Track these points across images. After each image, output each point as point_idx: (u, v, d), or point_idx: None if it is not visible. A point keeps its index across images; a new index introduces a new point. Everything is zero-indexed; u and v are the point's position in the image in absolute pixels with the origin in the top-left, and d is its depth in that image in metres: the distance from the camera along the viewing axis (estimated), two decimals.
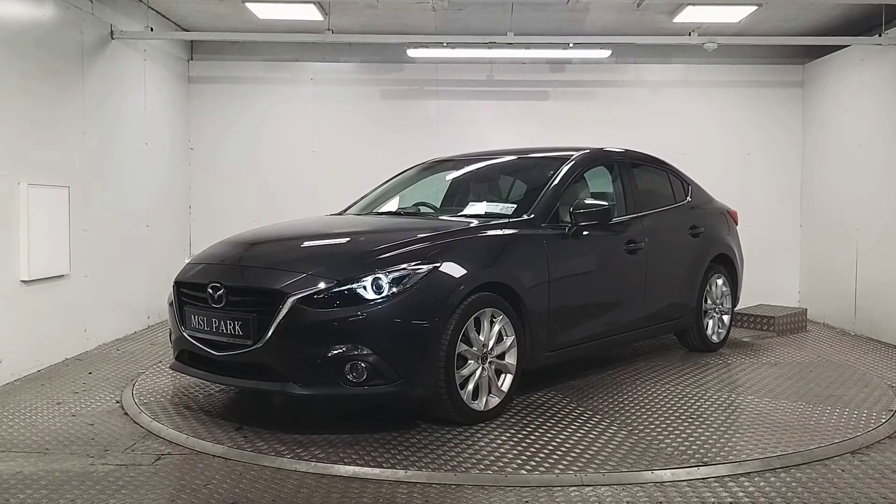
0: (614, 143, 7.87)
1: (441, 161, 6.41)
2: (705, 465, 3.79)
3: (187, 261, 4.99)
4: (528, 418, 4.56)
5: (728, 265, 6.70)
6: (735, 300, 6.90)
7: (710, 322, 6.53)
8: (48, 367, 5.96)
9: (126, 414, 4.78)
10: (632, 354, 6.40)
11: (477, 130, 8.91)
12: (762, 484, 3.60)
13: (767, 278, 8.65)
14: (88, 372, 5.85)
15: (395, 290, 4.12)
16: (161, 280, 7.58)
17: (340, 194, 8.39)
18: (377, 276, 4.15)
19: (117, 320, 7.23)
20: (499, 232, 4.78)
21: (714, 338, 6.57)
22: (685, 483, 3.62)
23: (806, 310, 8.05)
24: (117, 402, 5.05)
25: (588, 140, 8.57)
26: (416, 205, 5.88)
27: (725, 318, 6.70)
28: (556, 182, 5.27)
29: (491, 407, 4.48)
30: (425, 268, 4.23)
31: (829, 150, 8.29)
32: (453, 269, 4.32)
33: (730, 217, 6.89)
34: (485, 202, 5.58)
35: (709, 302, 6.49)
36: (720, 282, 6.61)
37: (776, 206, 8.92)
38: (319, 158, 8.95)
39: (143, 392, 5.20)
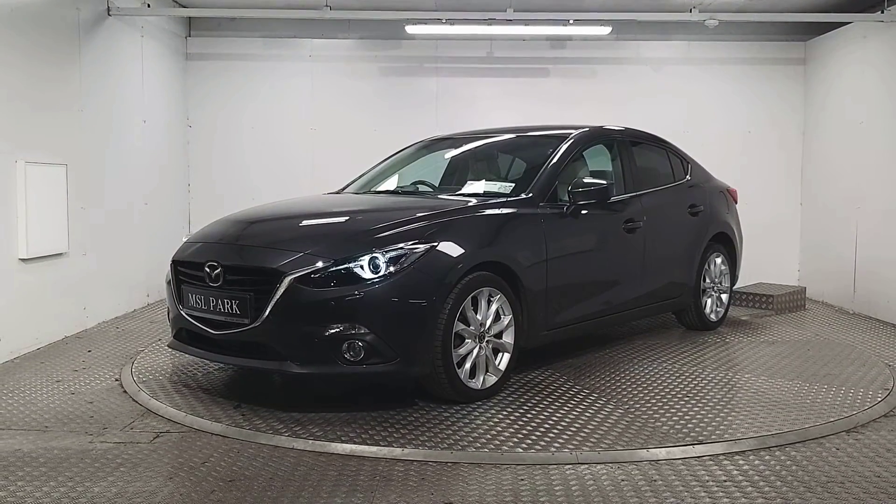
0: (614, 121, 7.85)
1: (439, 139, 6.39)
2: (700, 443, 3.81)
3: (185, 239, 4.99)
4: (525, 396, 4.57)
5: (727, 244, 6.70)
6: (734, 279, 6.90)
7: (709, 301, 6.54)
8: (47, 345, 5.98)
9: (125, 392, 4.80)
10: (629, 333, 6.42)
11: (476, 107, 8.87)
12: (757, 462, 3.62)
13: (766, 256, 8.65)
14: (88, 350, 5.87)
15: (392, 269, 4.12)
16: (160, 258, 7.57)
17: (339, 171, 8.38)
18: (374, 255, 4.14)
19: (116, 298, 7.25)
20: (497, 211, 4.77)
21: (712, 316, 6.58)
22: (680, 461, 3.64)
23: (805, 288, 8.05)
24: (116, 380, 5.07)
25: (588, 117, 8.55)
26: (415, 183, 5.87)
27: (724, 296, 6.71)
28: (554, 161, 5.25)
29: (488, 385, 4.49)
30: (422, 247, 4.23)
31: (831, 127, 8.26)
32: (451, 249, 4.32)
33: (729, 195, 6.87)
34: (483, 181, 5.56)
35: (707, 281, 6.49)
36: (719, 260, 6.60)
37: (776, 183, 8.90)
38: (318, 136, 8.92)
39: (142, 370, 5.21)
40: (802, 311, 7.76)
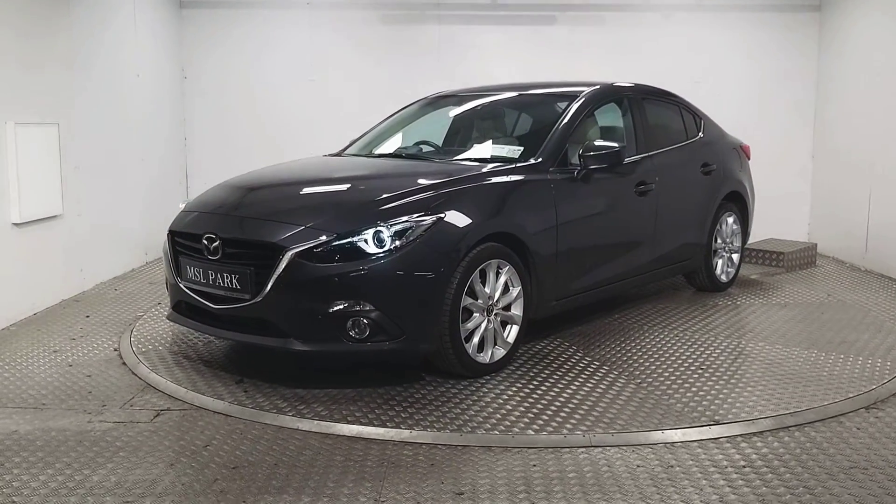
0: (622, 71, 7.63)
1: (444, 96, 6.15)
2: (716, 423, 3.70)
3: (181, 206, 4.82)
4: (535, 370, 4.45)
5: (739, 202, 6.52)
6: (745, 238, 6.74)
7: (720, 261, 6.39)
8: (44, 311, 5.85)
9: (124, 364, 4.69)
10: (638, 296, 6.27)
11: (480, 56, 8.59)
12: (776, 444, 3.51)
13: (776, 211, 8.44)
14: (86, 315, 5.75)
15: (397, 243, 3.96)
16: (158, 215, 7.44)
17: (338, 123, 8.22)
18: (379, 228, 3.98)
19: (114, 259, 7.10)
20: (505, 178, 4.58)
21: (723, 277, 6.44)
22: (696, 444, 3.53)
23: (816, 245, 7.89)
24: (115, 350, 4.96)
25: (595, 67, 8.31)
26: (418, 144, 5.67)
27: (735, 256, 6.55)
28: (564, 122, 5.04)
29: (496, 359, 4.37)
30: (429, 219, 4.06)
31: (846, 78, 7.99)
32: (458, 220, 4.15)
33: (742, 152, 6.66)
34: (490, 143, 5.36)
35: (718, 241, 6.33)
36: (731, 220, 6.43)
37: (788, 136, 8.66)
38: (317, 87, 8.66)
39: (141, 339, 5.10)
40: (813, 267, 7.62)
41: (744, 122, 7.93)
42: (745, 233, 6.69)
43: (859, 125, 7.67)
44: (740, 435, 3.62)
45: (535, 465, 3.32)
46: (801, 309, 5.91)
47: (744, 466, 3.29)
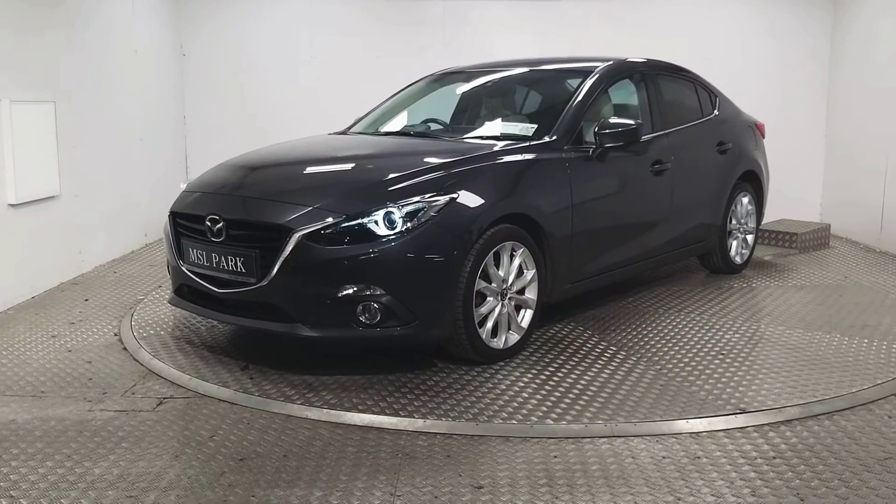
0: (630, 47, 7.41)
1: (451, 73, 5.96)
2: (742, 411, 3.56)
3: (182, 186, 4.66)
4: (550, 356, 4.31)
5: (754, 182, 6.35)
6: (759, 218, 6.58)
7: (734, 243, 6.23)
8: (42, 294, 5.70)
9: (125, 349, 4.54)
10: (651, 279, 6.11)
11: (486, 30, 8.41)
12: (805, 434, 3.37)
13: (787, 191, 8.24)
14: (85, 299, 5.60)
15: (409, 224, 3.79)
16: (158, 195, 7.28)
17: (341, 101, 8.04)
18: (389, 209, 3.81)
19: (113, 240, 6.94)
20: (519, 157, 4.41)
21: (737, 259, 6.29)
22: (723, 433, 3.39)
23: (829, 225, 7.73)
24: (115, 334, 4.81)
25: (604, 42, 8.11)
26: (426, 122, 5.49)
27: (749, 237, 6.40)
28: (579, 99, 4.87)
29: (510, 344, 4.22)
30: (442, 199, 3.89)
31: (861, 55, 7.79)
32: (472, 201, 3.98)
33: (757, 131, 6.49)
34: (502, 121, 5.18)
35: (733, 222, 6.17)
36: (745, 200, 6.27)
37: (800, 114, 8.47)
38: (319, 63, 8.46)
39: (142, 323, 4.95)
40: (827, 248, 7.46)
41: (755, 100, 7.72)
42: (759, 213, 6.53)
43: (875, 103, 7.49)
44: (768, 424, 3.47)
45: (555, 457, 3.18)
46: (819, 291, 5.76)
47: (774, 458, 3.15)
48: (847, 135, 8.07)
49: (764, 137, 6.59)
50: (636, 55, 5.87)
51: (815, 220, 8.24)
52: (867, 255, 7.20)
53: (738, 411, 3.56)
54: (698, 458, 3.16)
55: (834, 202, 8.36)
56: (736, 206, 6.15)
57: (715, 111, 6.06)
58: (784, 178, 8.03)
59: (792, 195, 8.34)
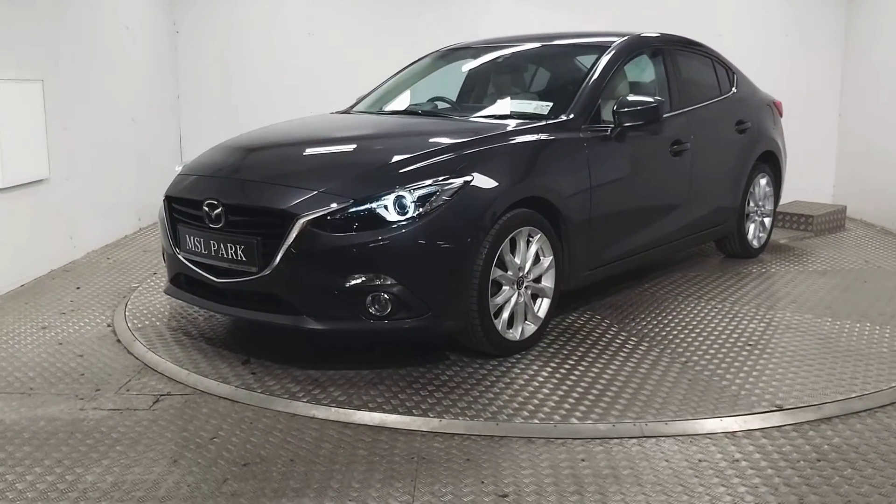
0: (640, 19, 7.14)
1: (458, 49, 5.68)
2: (779, 409, 3.34)
3: (178, 169, 4.40)
4: (568, 348, 4.08)
5: (773, 163, 6.10)
6: (777, 201, 6.34)
7: (752, 226, 5.99)
8: (32, 281, 5.45)
9: (119, 341, 4.30)
10: (667, 263, 5.86)
11: (493, 4, 8.09)
12: (848, 433, 3.16)
13: (800, 172, 7.95)
14: (76, 287, 5.35)
15: (421, 210, 3.55)
16: (152, 178, 7.01)
17: (343, 80, 7.75)
18: (400, 194, 3.57)
19: (106, 224, 6.68)
20: (535, 137, 4.15)
21: (755, 243, 6.05)
22: (759, 433, 3.17)
23: (845, 207, 7.50)
24: (108, 325, 4.57)
25: (611, 14, 7.81)
26: (433, 100, 5.23)
27: (767, 220, 6.16)
28: (595, 76, 4.60)
29: (527, 336, 3.99)
30: (456, 183, 3.64)
31: (876, 31, 7.53)
32: (486, 184, 3.74)
33: (775, 109, 6.24)
34: (515, 99, 4.93)
35: (751, 204, 5.93)
36: (763, 182, 6.03)
37: (813, 93, 8.18)
38: (318, 41, 8.16)
39: (136, 313, 4.70)
40: (842, 231, 7.23)
41: (767, 77, 7.43)
42: (777, 195, 6.29)
43: (890, 81, 7.23)
44: (807, 422, 3.26)
45: (583, 460, 2.96)
46: (842, 276, 5.54)
47: (818, 460, 2.94)
48: (862, 114, 7.81)
49: (782, 116, 6.34)
50: (648, 29, 5.59)
51: (828, 202, 8.00)
52: (884, 237, 6.96)
53: (775, 408, 3.34)
54: (737, 460, 2.94)
55: (848, 184, 8.11)
56: (754, 188, 5.91)
57: (733, 88, 5.81)
58: (796, 159, 7.76)
59: (804, 176, 8.06)
